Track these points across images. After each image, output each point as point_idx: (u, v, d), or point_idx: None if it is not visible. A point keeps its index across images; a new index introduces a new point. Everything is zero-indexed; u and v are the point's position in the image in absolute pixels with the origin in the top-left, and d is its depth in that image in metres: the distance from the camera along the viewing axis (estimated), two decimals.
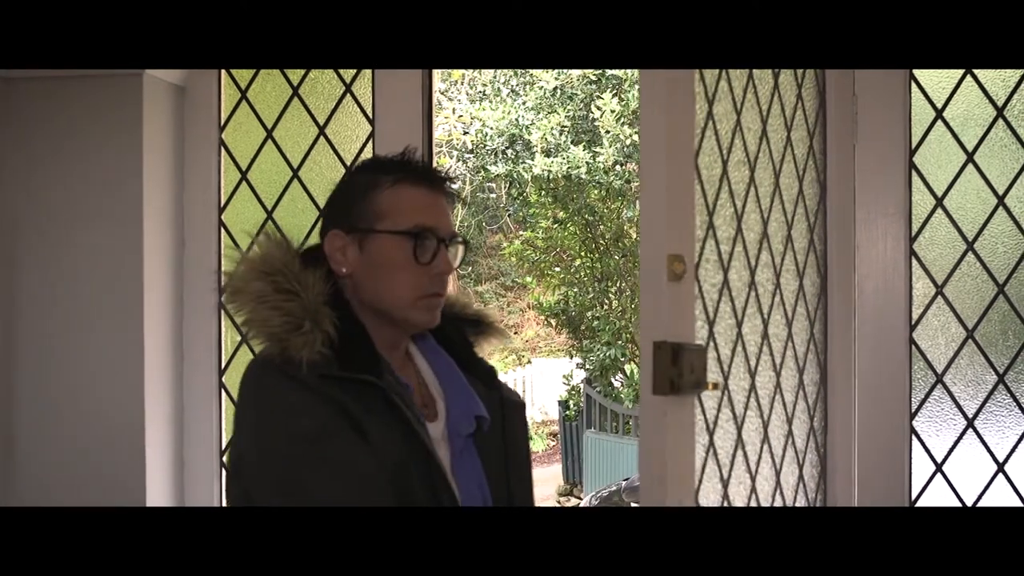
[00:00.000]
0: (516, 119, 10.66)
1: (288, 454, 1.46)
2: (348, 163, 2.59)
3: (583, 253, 10.53)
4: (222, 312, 2.63)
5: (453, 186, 1.66)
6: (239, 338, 2.64)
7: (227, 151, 2.63)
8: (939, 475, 2.44)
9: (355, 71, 2.58)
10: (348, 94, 2.60)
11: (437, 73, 2.59)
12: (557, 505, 10.22)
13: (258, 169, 2.63)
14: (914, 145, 2.44)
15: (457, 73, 12.16)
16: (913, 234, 2.43)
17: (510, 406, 1.71)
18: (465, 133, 11.88)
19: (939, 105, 2.44)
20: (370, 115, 2.58)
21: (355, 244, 1.57)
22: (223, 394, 2.65)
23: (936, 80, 2.44)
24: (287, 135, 2.63)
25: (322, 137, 2.61)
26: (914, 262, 2.43)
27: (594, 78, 10.22)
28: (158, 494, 2.53)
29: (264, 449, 1.49)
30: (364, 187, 1.60)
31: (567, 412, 11.33)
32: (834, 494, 2.40)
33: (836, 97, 2.42)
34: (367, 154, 2.57)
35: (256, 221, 2.62)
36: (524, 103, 10.85)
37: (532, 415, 13.13)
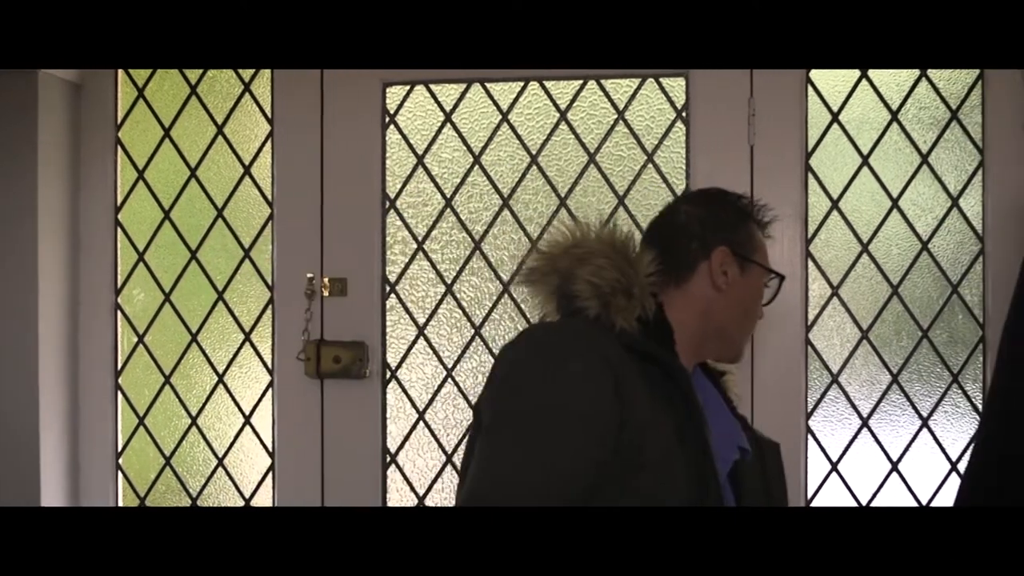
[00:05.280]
0: None
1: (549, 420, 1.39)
2: (246, 163, 2.58)
3: None
4: (119, 312, 2.61)
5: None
6: (136, 339, 2.62)
7: (124, 150, 2.61)
8: (834, 474, 2.46)
9: (254, 70, 2.56)
10: (247, 93, 2.58)
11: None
12: None
13: (155, 168, 2.61)
14: (810, 148, 2.46)
15: None
16: (809, 236, 2.46)
17: (767, 446, 1.72)
18: None
19: (835, 108, 2.46)
20: (269, 115, 2.57)
21: (737, 266, 1.62)
22: (119, 395, 2.62)
23: (832, 83, 2.47)
24: (185, 134, 2.60)
25: (220, 136, 2.59)
26: (810, 263, 2.46)
27: None
28: (52, 495, 2.50)
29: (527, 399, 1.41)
30: (740, 217, 1.65)
31: None
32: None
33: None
34: (266, 153, 2.56)
35: (153, 220, 2.60)
36: None
37: None
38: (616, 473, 1.40)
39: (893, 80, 2.46)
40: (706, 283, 1.62)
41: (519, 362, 1.45)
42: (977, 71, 2.40)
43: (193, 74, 2.59)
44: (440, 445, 2.54)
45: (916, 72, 2.43)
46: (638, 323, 1.51)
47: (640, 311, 1.51)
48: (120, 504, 2.60)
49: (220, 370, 2.61)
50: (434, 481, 2.54)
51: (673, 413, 1.46)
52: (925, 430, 2.43)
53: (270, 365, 2.58)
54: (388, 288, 2.54)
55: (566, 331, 1.48)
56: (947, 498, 2.40)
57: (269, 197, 2.57)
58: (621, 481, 1.40)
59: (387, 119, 2.54)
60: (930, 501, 2.41)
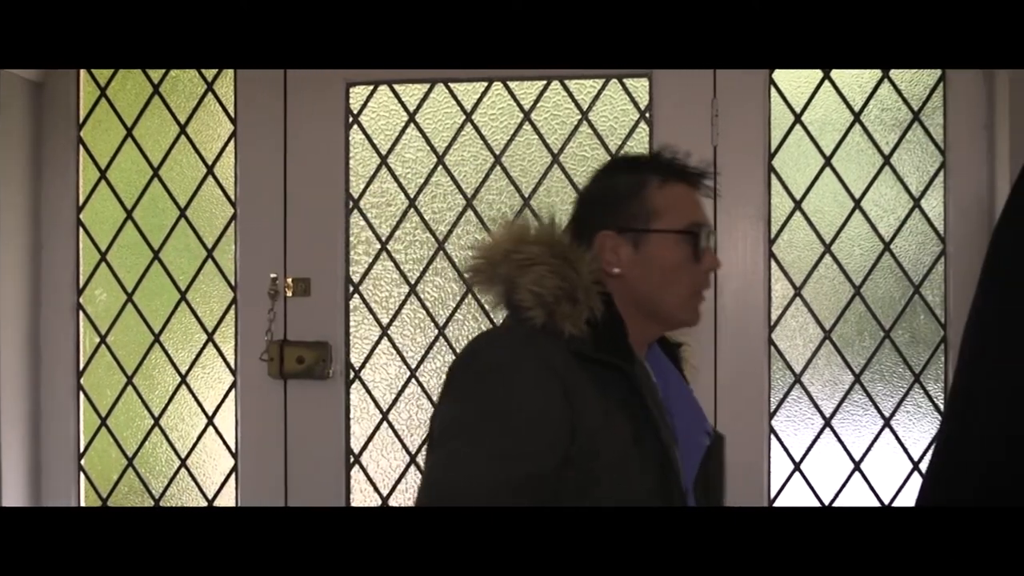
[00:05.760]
0: None
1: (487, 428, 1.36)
2: (209, 162, 2.57)
3: None
4: (81, 312, 2.60)
5: (711, 181, 1.62)
6: (98, 339, 2.61)
7: (86, 149, 2.60)
8: (797, 474, 2.47)
9: (217, 70, 2.55)
10: (210, 93, 2.58)
11: None
12: None
13: (117, 168, 2.60)
14: (773, 149, 2.47)
15: None
16: (772, 236, 2.46)
17: (715, 437, 1.65)
18: None
19: (798, 109, 2.47)
20: (232, 114, 2.56)
21: (628, 244, 1.53)
22: (81, 395, 2.61)
23: (795, 85, 2.48)
24: (147, 134, 2.60)
25: (183, 136, 2.58)
26: (773, 264, 2.46)
27: None
28: (14, 496, 2.49)
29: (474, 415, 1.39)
30: (631, 186, 1.55)
31: None
32: None
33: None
34: (229, 153, 2.56)
35: (115, 221, 2.59)
36: None
37: None
38: (573, 483, 1.38)
39: (855, 81, 2.47)
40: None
41: (464, 373, 1.44)
42: (939, 72, 2.41)
43: (156, 73, 2.58)
44: (404, 445, 2.54)
45: (878, 73, 2.44)
46: (587, 326, 1.46)
47: (588, 314, 1.46)
48: (82, 505, 2.59)
49: (183, 370, 2.60)
50: (398, 481, 2.54)
51: (630, 416, 1.44)
52: (887, 430, 2.44)
53: (233, 365, 2.57)
54: (352, 288, 2.54)
55: (511, 341, 1.46)
56: (909, 498, 2.41)
57: (232, 197, 2.57)
58: (579, 490, 1.38)
59: (351, 119, 2.54)
60: (892, 501, 2.42)
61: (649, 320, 1.56)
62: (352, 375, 2.54)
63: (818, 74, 2.46)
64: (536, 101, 2.51)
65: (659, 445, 1.45)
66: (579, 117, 2.49)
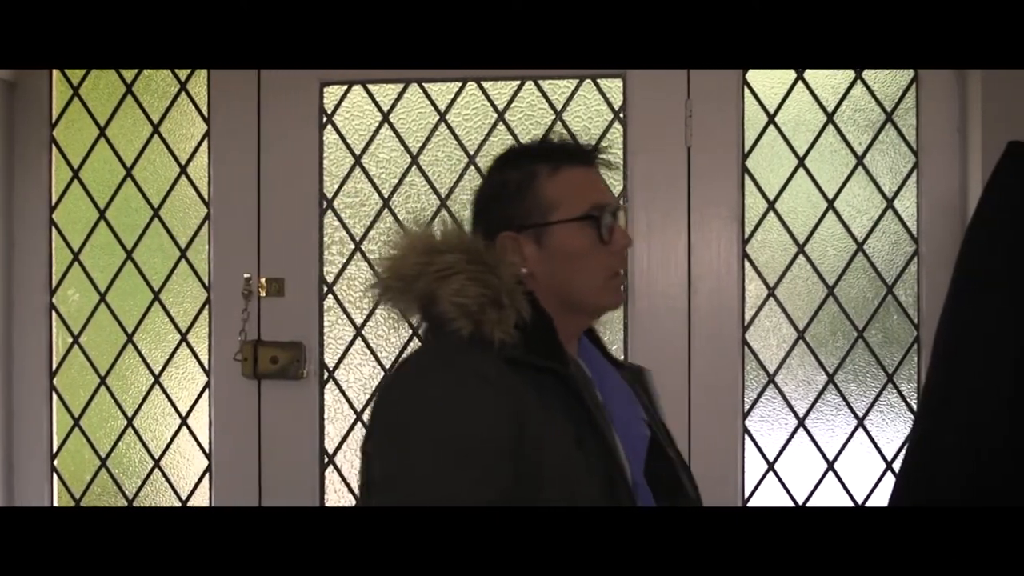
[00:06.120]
0: None
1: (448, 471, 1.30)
2: (183, 162, 2.57)
3: None
4: (54, 313, 2.59)
5: (607, 155, 1.55)
6: (71, 339, 2.60)
7: (59, 149, 2.59)
8: (771, 474, 2.47)
9: (190, 70, 2.55)
10: (183, 92, 2.57)
11: None
12: None
13: (91, 167, 2.60)
14: (747, 149, 2.47)
15: None
16: (746, 236, 2.47)
17: (639, 375, 1.63)
18: None
19: (771, 110, 2.48)
20: (205, 114, 2.56)
21: (531, 241, 1.46)
22: (54, 396, 2.61)
23: (768, 85, 2.48)
24: (120, 133, 2.59)
25: (156, 135, 2.58)
26: (747, 264, 2.47)
27: None
28: None
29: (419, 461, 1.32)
30: (522, 181, 1.47)
31: None
32: None
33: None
34: (202, 153, 2.56)
35: (88, 220, 2.59)
36: None
37: None
38: (520, 491, 1.33)
39: (828, 82, 2.47)
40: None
41: (399, 404, 1.38)
42: (911, 73, 2.42)
43: (129, 73, 2.57)
44: None
45: (851, 74, 2.45)
46: (516, 329, 1.40)
47: (516, 317, 1.40)
48: (55, 505, 2.58)
49: (156, 371, 2.59)
50: None
51: (570, 418, 1.40)
52: (861, 430, 2.45)
53: (207, 366, 2.57)
54: (326, 288, 2.53)
55: (439, 360, 1.40)
56: (882, 497, 2.41)
57: (206, 197, 2.56)
58: (527, 498, 1.34)
59: (324, 119, 2.54)
60: (866, 500, 2.43)
61: (572, 313, 1.50)
62: (326, 375, 2.54)
63: (791, 75, 2.47)
64: (510, 101, 2.51)
65: (602, 445, 1.42)
66: (553, 117, 2.50)
